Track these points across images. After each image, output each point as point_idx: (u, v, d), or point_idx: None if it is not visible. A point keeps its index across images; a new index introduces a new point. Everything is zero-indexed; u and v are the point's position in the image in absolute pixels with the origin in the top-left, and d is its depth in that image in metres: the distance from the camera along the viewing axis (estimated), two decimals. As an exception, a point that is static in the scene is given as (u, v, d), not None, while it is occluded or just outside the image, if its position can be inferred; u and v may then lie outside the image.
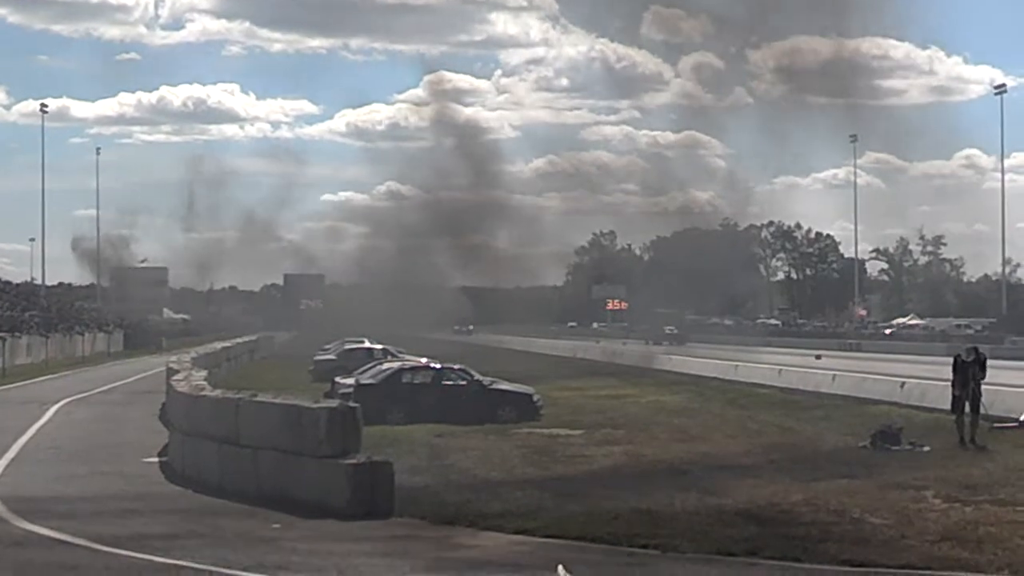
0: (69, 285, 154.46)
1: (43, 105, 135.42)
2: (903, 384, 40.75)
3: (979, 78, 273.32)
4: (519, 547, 17.68)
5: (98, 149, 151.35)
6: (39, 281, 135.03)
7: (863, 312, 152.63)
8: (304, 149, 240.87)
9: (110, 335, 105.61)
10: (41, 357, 79.86)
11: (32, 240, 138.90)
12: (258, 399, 23.45)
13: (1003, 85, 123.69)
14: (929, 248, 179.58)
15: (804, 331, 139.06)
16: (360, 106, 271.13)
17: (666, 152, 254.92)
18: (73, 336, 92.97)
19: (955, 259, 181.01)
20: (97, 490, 23.57)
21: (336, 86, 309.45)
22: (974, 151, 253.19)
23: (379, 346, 63.33)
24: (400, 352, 59.53)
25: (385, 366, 42.33)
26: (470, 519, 19.65)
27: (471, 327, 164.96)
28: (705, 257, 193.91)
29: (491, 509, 20.37)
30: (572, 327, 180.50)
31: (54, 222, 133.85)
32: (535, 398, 38.51)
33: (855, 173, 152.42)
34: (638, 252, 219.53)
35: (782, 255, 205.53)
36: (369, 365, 45.57)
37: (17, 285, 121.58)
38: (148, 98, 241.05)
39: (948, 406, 30.47)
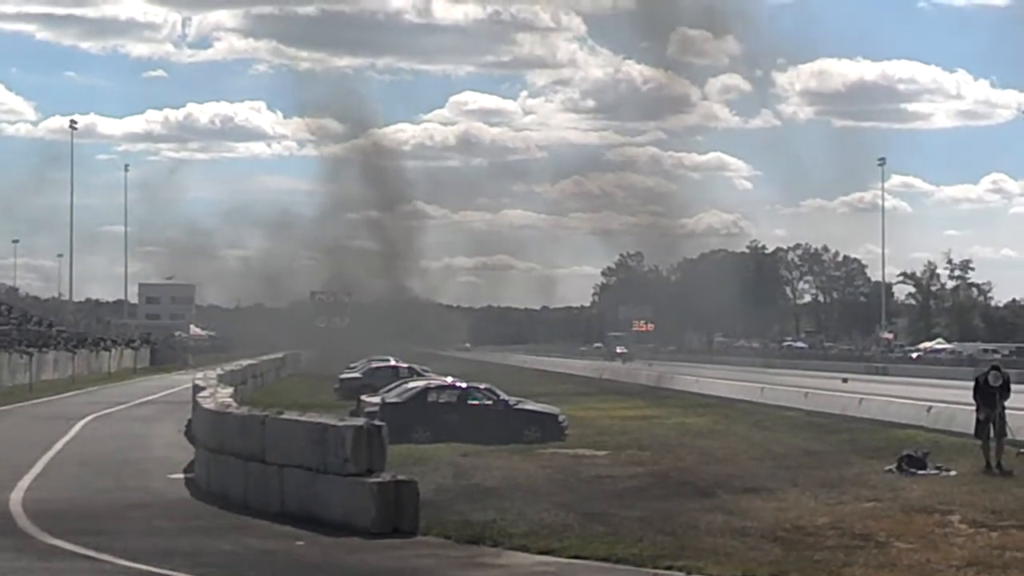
0: (96, 301, 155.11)
1: (73, 122, 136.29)
2: (930, 408, 40.59)
3: (1006, 102, 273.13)
4: (544, 568, 17.67)
5: (126, 166, 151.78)
6: (66, 297, 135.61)
7: (890, 336, 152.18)
8: (330, 167, 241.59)
9: (137, 351, 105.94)
10: (68, 373, 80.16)
11: (60, 256, 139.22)
12: (284, 417, 23.48)
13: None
14: (957, 272, 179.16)
15: (831, 354, 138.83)
16: (386, 126, 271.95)
17: (691, 174, 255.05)
18: (100, 352, 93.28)
19: (983, 283, 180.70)
20: (123, 505, 23.63)
21: (362, 105, 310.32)
22: (1001, 176, 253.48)
23: (405, 365, 63.35)
24: (426, 371, 59.58)
25: (411, 385, 42.34)
26: (495, 539, 19.63)
27: (468, 345, 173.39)
28: (732, 279, 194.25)
29: (516, 529, 20.34)
30: (598, 348, 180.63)
31: (81, 239, 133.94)
32: (560, 418, 38.47)
33: (883, 196, 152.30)
34: (665, 273, 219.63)
35: (809, 278, 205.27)
36: (395, 384, 45.60)
37: (44, 301, 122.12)
38: (175, 115, 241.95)
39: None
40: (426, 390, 39.68)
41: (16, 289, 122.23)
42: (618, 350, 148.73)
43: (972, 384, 30.94)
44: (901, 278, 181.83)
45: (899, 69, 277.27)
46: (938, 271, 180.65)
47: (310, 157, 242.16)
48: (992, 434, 29.45)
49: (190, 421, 33.93)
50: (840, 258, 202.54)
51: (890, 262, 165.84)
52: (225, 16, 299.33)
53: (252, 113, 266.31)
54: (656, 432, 40.10)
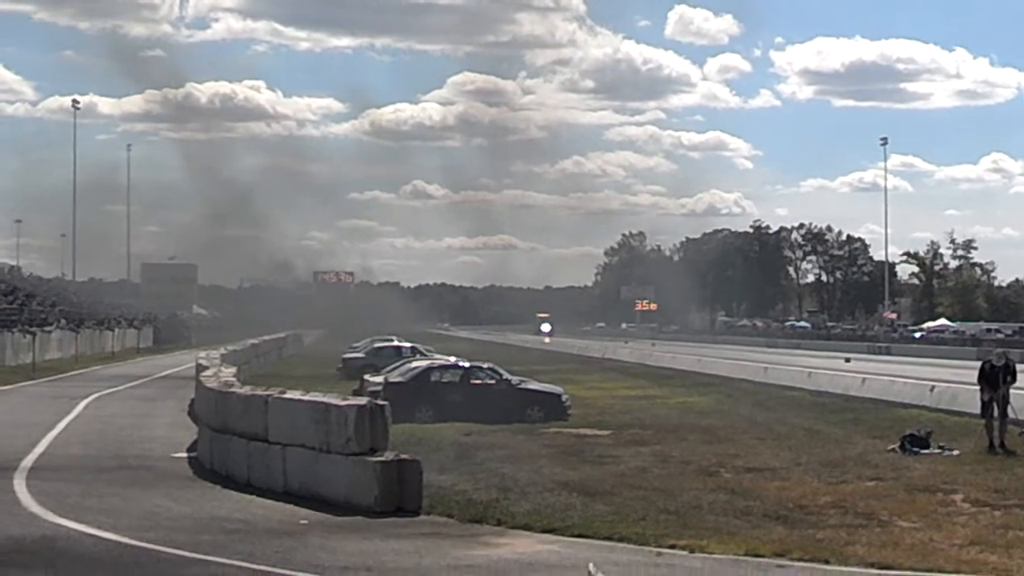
0: (100, 281, 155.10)
1: (75, 101, 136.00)
2: (933, 388, 40.57)
3: (1006, 81, 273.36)
4: (547, 546, 17.67)
5: (129, 145, 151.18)
6: (69, 277, 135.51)
7: (893, 315, 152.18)
8: (330, 147, 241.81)
9: (140, 331, 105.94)
10: (71, 352, 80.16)
11: (63, 236, 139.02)
12: (287, 396, 23.47)
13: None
14: (960, 252, 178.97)
15: (834, 334, 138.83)
16: (384, 105, 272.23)
17: (691, 153, 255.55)
18: (103, 332, 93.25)
19: (986, 263, 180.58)
20: (126, 485, 23.62)
21: (362, 85, 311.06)
22: (1001, 155, 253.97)
23: (408, 344, 63.44)
24: (429, 350, 59.63)
25: (414, 364, 42.35)
26: (498, 518, 19.64)
27: (447, 324, 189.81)
28: (736, 259, 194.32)
29: (519, 508, 20.36)
30: (601, 327, 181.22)
31: (84, 218, 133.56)
32: (563, 398, 38.47)
33: (885, 177, 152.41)
34: (668, 253, 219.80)
35: (812, 258, 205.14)
36: (398, 363, 45.62)
37: (48, 280, 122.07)
38: (174, 95, 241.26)
39: (978, 410, 30.37)
40: (429, 369, 39.67)
41: (19, 268, 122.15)
42: (542, 328, 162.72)
43: (975, 363, 31.00)
44: (904, 258, 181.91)
45: (898, 48, 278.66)
46: (941, 251, 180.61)
47: (309, 137, 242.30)
48: (995, 413, 29.48)
49: (193, 400, 33.98)
50: (843, 238, 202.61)
51: (892, 242, 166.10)
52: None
53: (252, 92, 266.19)
54: (659, 412, 40.14)
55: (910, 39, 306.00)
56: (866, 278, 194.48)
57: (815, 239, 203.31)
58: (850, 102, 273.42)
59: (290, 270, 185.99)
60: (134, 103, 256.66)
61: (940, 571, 16.30)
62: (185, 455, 27.96)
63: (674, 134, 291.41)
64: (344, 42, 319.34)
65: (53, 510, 20.42)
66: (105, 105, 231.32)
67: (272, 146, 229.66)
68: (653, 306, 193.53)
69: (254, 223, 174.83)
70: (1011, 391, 30.01)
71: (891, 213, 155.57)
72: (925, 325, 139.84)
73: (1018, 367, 30.87)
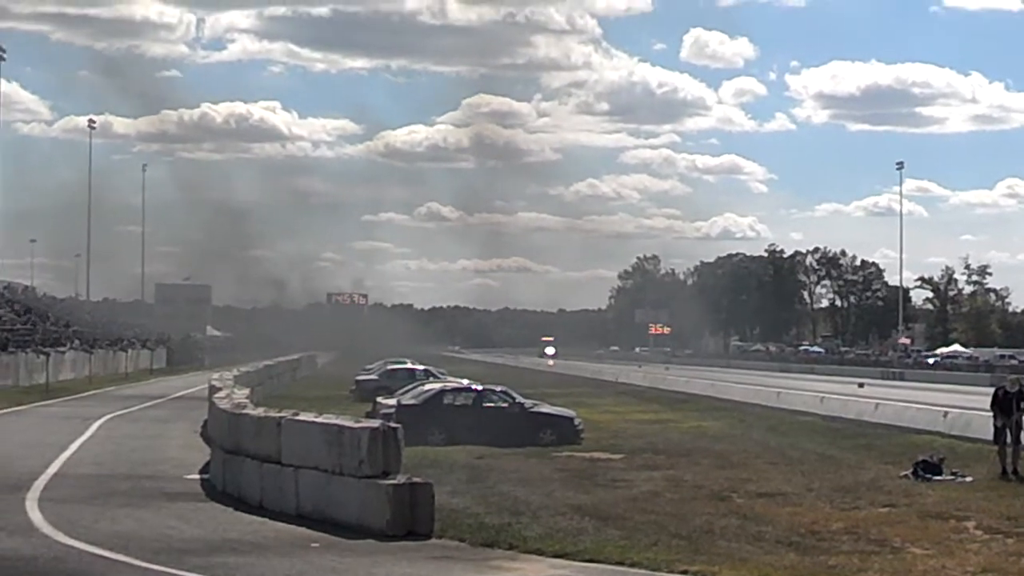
0: (113, 301, 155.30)
1: (91, 121, 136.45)
2: (946, 414, 40.51)
3: (1022, 107, 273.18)
4: (559, 571, 17.66)
5: (144, 166, 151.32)
6: (83, 297, 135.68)
7: (907, 341, 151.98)
8: (344, 168, 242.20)
9: (153, 352, 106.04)
10: (84, 373, 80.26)
11: (78, 256, 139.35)
12: (300, 418, 23.47)
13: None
14: (974, 278, 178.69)
15: (847, 359, 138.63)
16: (399, 127, 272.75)
17: (706, 177, 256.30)
18: (116, 352, 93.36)
19: (1001, 289, 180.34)
20: (138, 506, 23.63)
21: (377, 106, 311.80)
22: (1016, 180, 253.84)
23: (421, 367, 63.50)
24: (442, 373, 59.66)
25: (427, 387, 42.33)
26: (510, 542, 19.62)
27: (458, 347, 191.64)
28: (749, 283, 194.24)
29: (531, 532, 20.35)
30: (614, 351, 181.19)
31: (99, 238, 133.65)
32: (576, 421, 38.45)
33: (901, 201, 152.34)
34: (682, 277, 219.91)
35: (827, 282, 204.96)
36: (411, 386, 45.62)
37: (61, 300, 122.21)
38: (190, 115, 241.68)
39: (991, 437, 30.31)
40: (442, 392, 39.67)
41: (33, 288, 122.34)
42: (548, 351, 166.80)
43: (991, 391, 30.93)
44: (919, 283, 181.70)
45: (913, 73, 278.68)
46: (956, 276, 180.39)
47: (324, 158, 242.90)
48: (1008, 440, 29.43)
49: (206, 422, 34.01)
50: (858, 262, 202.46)
51: (906, 267, 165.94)
52: (239, 17, 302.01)
53: (267, 113, 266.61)
54: (671, 436, 40.09)
55: (925, 63, 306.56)
56: (880, 303, 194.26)
57: (829, 263, 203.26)
58: (865, 126, 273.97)
59: (300, 291, 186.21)
60: (150, 123, 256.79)
61: (952, 598, 16.29)
62: (198, 476, 27.97)
63: (689, 157, 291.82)
64: (359, 63, 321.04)
65: (65, 531, 20.44)
66: (120, 125, 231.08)
67: (287, 167, 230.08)
68: (667, 330, 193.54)
69: (266, 244, 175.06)
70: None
71: (906, 238, 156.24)
72: (939, 351, 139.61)
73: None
